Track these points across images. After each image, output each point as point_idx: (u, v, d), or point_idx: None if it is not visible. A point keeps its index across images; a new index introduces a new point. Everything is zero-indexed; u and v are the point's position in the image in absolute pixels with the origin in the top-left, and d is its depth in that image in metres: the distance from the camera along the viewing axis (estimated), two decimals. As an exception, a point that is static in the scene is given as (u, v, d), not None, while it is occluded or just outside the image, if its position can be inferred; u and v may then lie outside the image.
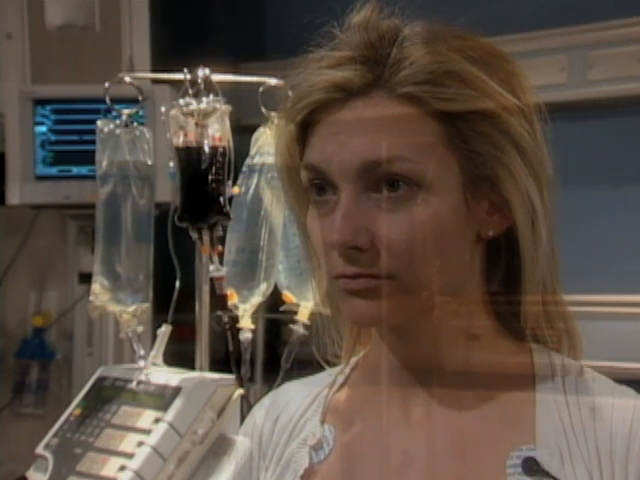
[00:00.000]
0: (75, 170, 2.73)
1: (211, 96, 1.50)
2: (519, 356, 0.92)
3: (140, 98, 1.59)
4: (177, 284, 1.58)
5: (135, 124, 1.57)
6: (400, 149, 0.84)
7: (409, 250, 0.84)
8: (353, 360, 0.99)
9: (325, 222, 0.86)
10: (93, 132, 1.58)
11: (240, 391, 1.50)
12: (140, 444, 1.40)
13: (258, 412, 1.03)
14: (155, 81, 2.32)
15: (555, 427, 0.87)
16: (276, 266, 1.54)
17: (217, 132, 1.48)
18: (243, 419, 1.40)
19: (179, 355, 1.61)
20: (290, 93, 0.90)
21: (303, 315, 1.52)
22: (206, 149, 1.47)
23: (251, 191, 1.54)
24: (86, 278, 1.88)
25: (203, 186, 1.46)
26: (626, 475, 0.83)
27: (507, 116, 0.86)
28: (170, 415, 1.42)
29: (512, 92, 0.87)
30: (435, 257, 0.85)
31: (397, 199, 0.84)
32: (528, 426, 0.88)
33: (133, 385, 1.50)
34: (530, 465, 0.85)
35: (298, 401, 0.99)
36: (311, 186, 0.88)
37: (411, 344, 0.90)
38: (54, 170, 2.75)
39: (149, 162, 1.57)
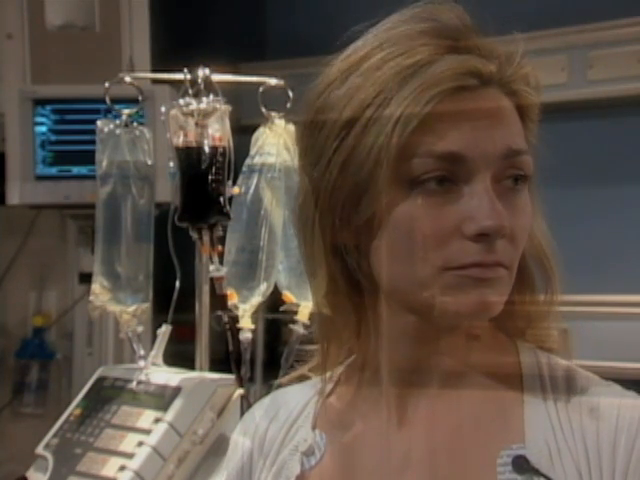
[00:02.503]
0: (75, 170, 2.73)
1: (211, 96, 1.50)
2: (506, 355, 0.93)
3: (140, 98, 1.60)
4: (177, 284, 1.58)
5: (135, 124, 1.57)
6: (524, 143, 0.87)
7: (522, 242, 0.87)
8: (343, 366, 0.99)
9: (448, 211, 0.84)
10: (93, 132, 1.58)
11: (240, 391, 1.50)
12: (140, 444, 1.40)
13: (251, 417, 1.03)
14: (155, 81, 2.33)
15: (543, 425, 0.87)
16: (276, 266, 1.54)
17: (217, 132, 1.48)
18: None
19: (179, 355, 1.62)
20: (367, 84, 0.85)
21: (303, 315, 1.52)
22: (206, 149, 1.47)
23: (251, 191, 1.54)
24: (86, 278, 1.89)
25: (203, 186, 1.47)
26: (613, 470, 0.84)
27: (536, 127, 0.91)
28: (170, 415, 1.42)
29: None
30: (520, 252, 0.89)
31: (515, 191, 0.86)
32: (517, 425, 0.88)
33: (133, 385, 1.50)
34: (520, 463, 0.86)
35: (289, 408, 0.99)
36: (425, 177, 0.84)
37: (450, 346, 0.90)
38: (54, 170, 2.75)
39: (149, 162, 1.57)
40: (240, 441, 1.01)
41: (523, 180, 0.87)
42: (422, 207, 0.84)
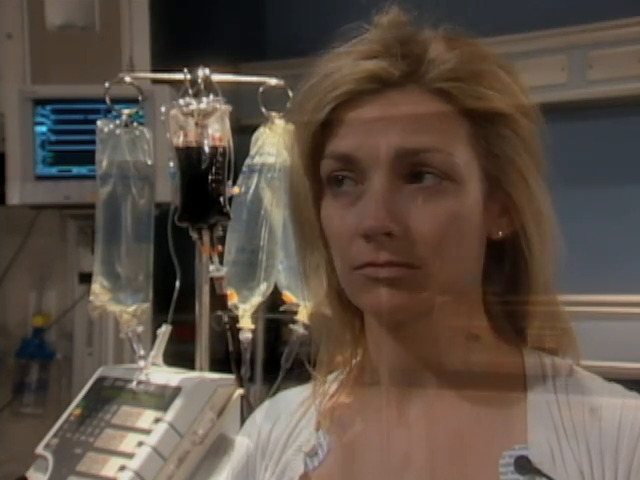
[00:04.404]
0: (75, 170, 2.73)
1: (211, 96, 1.50)
2: (510, 357, 0.93)
3: (140, 98, 1.60)
4: (177, 284, 1.58)
5: (135, 124, 1.57)
6: (435, 141, 0.86)
7: (435, 241, 0.86)
8: (346, 368, 0.99)
9: (350, 211, 0.87)
10: (93, 132, 1.58)
11: (240, 391, 1.50)
12: (140, 444, 1.40)
13: (253, 421, 1.04)
14: (155, 81, 2.33)
15: (546, 426, 0.88)
16: (276, 266, 1.55)
17: (217, 132, 1.48)
18: (243, 419, 1.40)
19: (179, 355, 1.62)
20: (311, 85, 0.90)
21: (303, 315, 1.52)
22: (206, 149, 1.47)
23: (251, 191, 1.54)
24: (86, 278, 1.89)
25: (203, 186, 1.47)
26: (616, 471, 0.84)
27: (524, 120, 0.89)
28: (170, 415, 1.42)
29: (525, 96, 0.89)
30: (455, 251, 0.87)
31: (427, 190, 0.86)
32: (520, 426, 0.88)
33: (133, 385, 1.50)
34: (522, 464, 0.86)
35: (292, 410, 1.00)
36: (332, 178, 0.88)
37: (411, 344, 0.90)
38: (54, 170, 2.75)
39: (149, 162, 1.57)
40: (244, 444, 1.02)
41: (444, 177, 0.86)
42: (331, 207, 0.89)
